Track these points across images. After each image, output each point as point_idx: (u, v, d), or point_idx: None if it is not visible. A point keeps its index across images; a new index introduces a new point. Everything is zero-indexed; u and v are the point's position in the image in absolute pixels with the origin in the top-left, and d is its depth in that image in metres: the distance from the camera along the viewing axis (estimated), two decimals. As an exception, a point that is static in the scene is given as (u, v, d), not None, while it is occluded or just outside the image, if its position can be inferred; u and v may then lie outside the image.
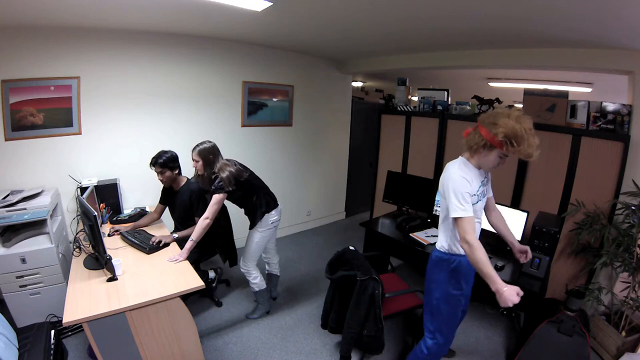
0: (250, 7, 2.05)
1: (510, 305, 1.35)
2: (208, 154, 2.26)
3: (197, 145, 2.29)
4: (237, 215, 2.77)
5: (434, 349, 1.80)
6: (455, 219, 1.53)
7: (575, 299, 2.15)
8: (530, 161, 1.51)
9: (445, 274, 1.69)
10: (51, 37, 2.49)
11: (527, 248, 1.83)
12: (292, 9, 2.14)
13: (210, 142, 2.32)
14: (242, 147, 3.67)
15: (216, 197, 2.23)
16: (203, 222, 2.20)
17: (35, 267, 2.22)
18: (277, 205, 2.55)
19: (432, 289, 1.76)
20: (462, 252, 1.59)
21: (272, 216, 2.47)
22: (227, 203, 2.42)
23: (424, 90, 3.53)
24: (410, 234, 2.72)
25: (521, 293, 1.37)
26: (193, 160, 2.31)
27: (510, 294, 1.35)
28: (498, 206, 2.57)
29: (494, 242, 2.28)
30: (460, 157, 1.66)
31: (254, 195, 2.43)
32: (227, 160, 2.36)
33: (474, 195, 1.58)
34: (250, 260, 2.51)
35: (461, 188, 1.52)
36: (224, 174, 2.23)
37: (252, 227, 2.49)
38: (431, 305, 1.77)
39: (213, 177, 2.26)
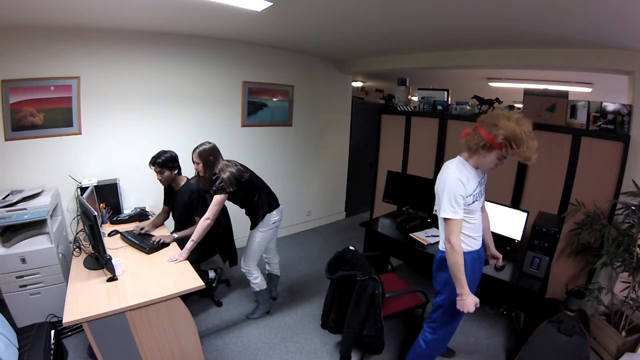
0: (250, 7, 2.05)
1: (465, 311, 1.57)
2: (208, 156, 2.26)
3: (197, 147, 2.28)
4: (237, 215, 2.77)
5: (433, 344, 1.84)
6: (444, 219, 1.58)
7: (575, 299, 2.15)
8: (529, 164, 1.53)
9: (449, 273, 1.70)
10: (51, 37, 2.49)
11: (500, 256, 1.99)
12: (292, 9, 2.14)
13: (209, 143, 2.32)
14: (242, 147, 3.67)
15: (217, 198, 2.23)
16: (204, 223, 2.20)
17: (35, 267, 2.22)
18: (279, 205, 2.55)
19: (438, 290, 1.79)
20: (464, 250, 1.61)
21: (273, 216, 2.47)
22: (228, 203, 2.41)
23: (424, 90, 3.53)
24: (410, 234, 2.72)
25: (477, 305, 1.58)
26: (194, 162, 2.30)
27: (469, 303, 1.55)
28: (498, 206, 2.58)
29: (494, 242, 2.28)
30: (458, 156, 1.67)
31: (256, 195, 2.43)
32: (227, 161, 2.35)
33: (470, 195, 1.59)
34: (251, 260, 2.51)
35: (455, 190, 1.54)
36: (225, 175, 2.22)
37: (253, 227, 2.49)
38: (437, 305, 1.80)
39: (214, 178, 2.26)
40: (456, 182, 1.55)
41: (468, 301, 1.55)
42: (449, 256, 1.56)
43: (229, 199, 2.34)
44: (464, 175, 1.57)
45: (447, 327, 1.83)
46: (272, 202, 2.49)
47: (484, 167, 1.63)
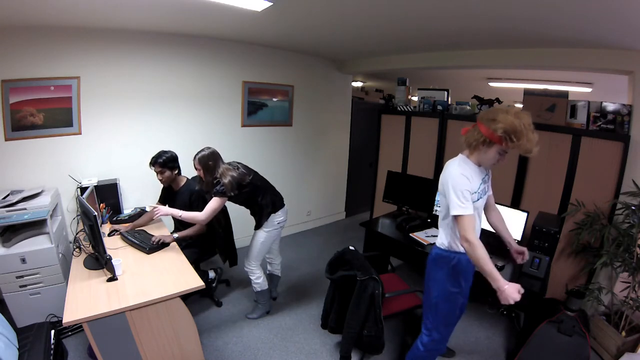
0: (250, 7, 2.05)
1: (512, 302, 1.38)
2: (207, 161, 2.26)
3: (197, 154, 2.29)
4: (237, 215, 2.77)
5: (430, 345, 1.82)
6: (455, 217, 1.53)
7: (575, 299, 2.15)
8: (530, 157, 1.51)
9: (444, 271, 1.69)
10: (51, 37, 2.49)
11: (525, 249, 1.84)
12: (292, 9, 2.14)
13: (209, 148, 2.32)
14: (242, 147, 3.67)
15: (216, 200, 2.22)
16: (198, 217, 2.22)
17: (35, 267, 2.22)
18: (284, 205, 2.54)
19: (431, 286, 1.76)
20: (461, 249, 1.59)
21: (278, 216, 2.47)
22: (229, 203, 2.41)
23: (424, 90, 3.53)
24: (410, 234, 2.72)
25: (522, 290, 1.40)
26: (195, 168, 2.31)
27: (512, 292, 1.38)
28: (498, 206, 2.57)
29: (493, 241, 2.28)
30: (459, 154, 1.66)
31: (259, 196, 2.43)
32: (229, 164, 2.35)
33: (475, 192, 1.58)
34: (254, 259, 2.51)
35: (461, 186, 1.52)
36: (226, 180, 2.22)
37: (258, 227, 2.49)
38: (430, 303, 1.78)
39: (215, 182, 2.26)
40: (461, 178, 1.53)
41: (509, 291, 1.38)
42: (471, 254, 1.48)
43: (232, 201, 2.34)
44: (467, 172, 1.56)
45: (443, 327, 1.80)
46: (277, 203, 2.48)
47: (485, 163, 1.61)
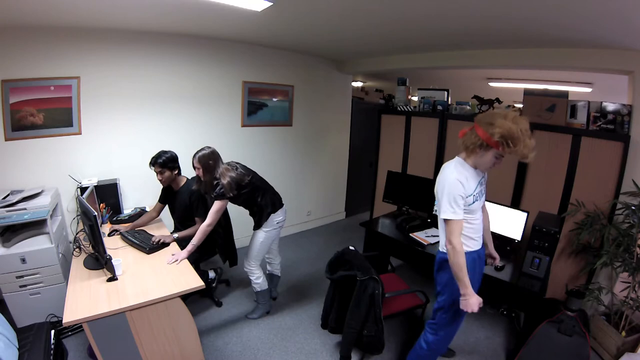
0: (250, 7, 2.05)
1: (469, 311, 1.58)
2: (207, 160, 2.26)
3: (197, 153, 2.28)
4: (237, 215, 2.77)
5: (434, 345, 1.84)
6: (445, 220, 1.58)
7: (575, 299, 2.15)
8: (527, 162, 1.53)
9: (450, 274, 1.70)
10: (51, 37, 2.49)
11: (497, 256, 2.00)
12: (292, 9, 2.14)
13: (209, 147, 2.32)
14: (242, 147, 3.67)
15: (218, 204, 2.22)
16: (205, 228, 2.21)
17: (35, 267, 2.22)
18: (283, 205, 2.55)
19: (440, 291, 1.79)
20: (464, 250, 1.61)
21: (277, 216, 2.47)
22: (229, 203, 2.41)
23: (424, 90, 3.53)
24: (410, 234, 2.72)
25: (481, 305, 1.59)
26: (194, 167, 2.31)
27: (474, 303, 1.57)
28: (498, 206, 2.58)
29: (493, 242, 2.28)
30: (456, 157, 1.67)
31: (259, 197, 2.43)
32: (228, 164, 2.34)
33: (471, 195, 1.60)
34: (254, 259, 2.51)
35: (454, 191, 1.55)
36: (225, 180, 2.22)
37: (257, 227, 2.49)
38: (439, 305, 1.80)
39: (214, 182, 2.26)
40: (455, 183, 1.55)
41: (472, 301, 1.56)
42: (451, 257, 1.56)
43: (232, 202, 2.34)
44: (463, 175, 1.57)
45: (448, 328, 1.83)
46: (276, 203, 2.49)
47: (482, 167, 1.63)
